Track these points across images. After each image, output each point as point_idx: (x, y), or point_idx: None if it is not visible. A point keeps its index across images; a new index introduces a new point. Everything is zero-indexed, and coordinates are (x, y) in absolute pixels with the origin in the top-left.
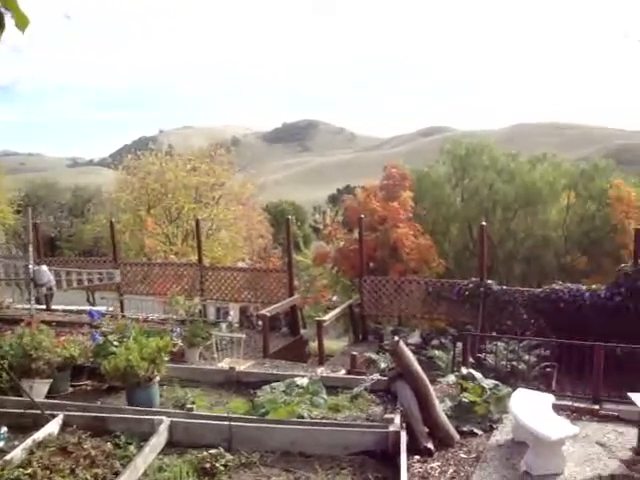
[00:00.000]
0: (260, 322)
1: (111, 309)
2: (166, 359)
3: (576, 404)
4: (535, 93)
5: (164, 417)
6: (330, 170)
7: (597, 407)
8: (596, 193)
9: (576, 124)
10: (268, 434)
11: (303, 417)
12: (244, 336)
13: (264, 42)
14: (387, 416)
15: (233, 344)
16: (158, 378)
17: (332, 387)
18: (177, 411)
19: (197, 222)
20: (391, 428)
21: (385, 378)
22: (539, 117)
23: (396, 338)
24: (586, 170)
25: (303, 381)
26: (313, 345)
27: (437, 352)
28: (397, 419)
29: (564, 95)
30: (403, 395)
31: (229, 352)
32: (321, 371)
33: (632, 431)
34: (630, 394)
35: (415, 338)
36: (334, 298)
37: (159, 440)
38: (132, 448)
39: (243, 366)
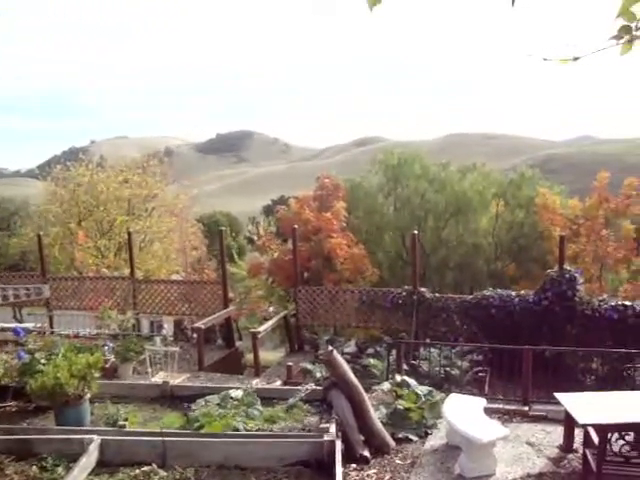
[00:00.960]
0: (195, 335)
1: (39, 325)
2: (97, 375)
3: (507, 406)
4: (467, 104)
5: (94, 436)
6: (265, 181)
7: (527, 408)
8: (524, 201)
9: (505, 134)
10: (203, 448)
11: (238, 430)
12: (178, 349)
13: (199, 53)
14: (323, 426)
15: (167, 358)
16: (89, 396)
17: (268, 398)
18: (109, 429)
19: (129, 234)
20: (326, 437)
21: (320, 388)
22: (471, 128)
23: (330, 348)
24: (514, 179)
25: (238, 393)
26: (249, 357)
27: (372, 360)
28: (333, 428)
29: (495, 107)
30: (338, 404)
31: (163, 366)
32: (256, 383)
33: (559, 429)
34: (556, 394)
35: (351, 347)
36: (270, 309)
37: (89, 460)
38: (60, 470)
39: (177, 380)
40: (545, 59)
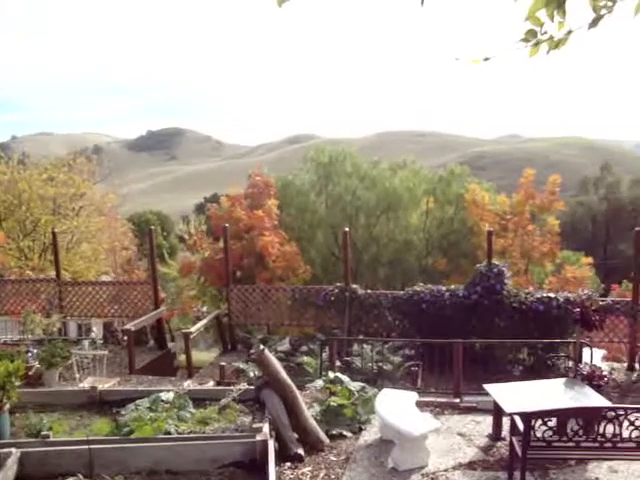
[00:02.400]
0: (125, 337)
1: None
2: (18, 384)
3: (439, 399)
4: (399, 102)
5: (13, 449)
6: (198, 179)
7: (458, 400)
8: (453, 198)
9: (436, 132)
10: (132, 454)
11: (170, 433)
12: (107, 353)
13: (127, 49)
14: (255, 425)
15: (96, 362)
16: (8, 406)
17: (200, 400)
18: (30, 440)
19: (54, 234)
20: (259, 437)
21: (253, 387)
22: (402, 125)
23: (261, 347)
24: (444, 176)
25: (169, 396)
26: (182, 358)
27: (306, 358)
28: (266, 428)
29: (426, 105)
30: (271, 403)
31: (92, 371)
32: (188, 384)
33: (488, 419)
34: (485, 385)
35: (284, 345)
36: (204, 309)
37: (7, 475)
38: None
39: (107, 385)
40: (457, 59)
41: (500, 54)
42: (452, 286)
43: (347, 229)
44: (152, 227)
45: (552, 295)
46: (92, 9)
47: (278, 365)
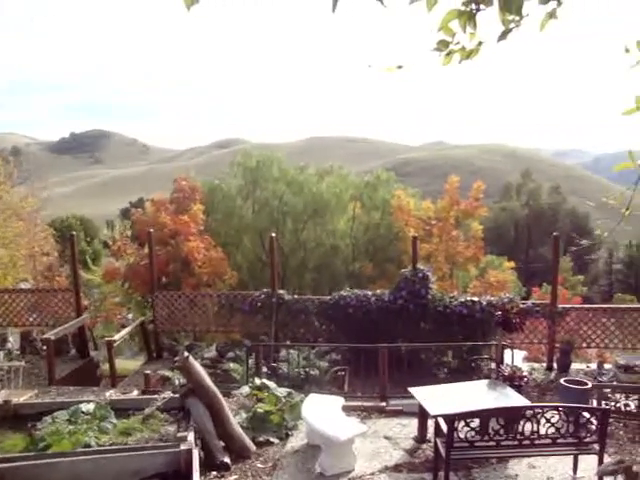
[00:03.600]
0: (45, 347)
1: None
2: None
3: (366, 403)
4: (329, 108)
5: None
6: (124, 183)
7: (384, 404)
8: (379, 203)
9: (365, 138)
10: (49, 470)
11: (90, 446)
12: (23, 364)
13: (49, 48)
14: (180, 434)
15: (11, 374)
16: None
17: (123, 410)
18: None
19: None
20: (183, 447)
21: (178, 395)
22: (332, 131)
23: (185, 354)
24: (370, 182)
25: (89, 407)
26: (106, 367)
27: (232, 365)
28: (191, 436)
29: (355, 111)
30: (196, 411)
31: (7, 383)
32: (110, 394)
33: (414, 422)
34: (410, 389)
35: (211, 352)
36: (129, 316)
37: None
38: None
39: (22, 398)
40: (369, 66)
41: (414, 63)
42: (378, 291)
43: (274, 234)
44: (74, 232)
45: (475, 299)
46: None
47: (203, 372)
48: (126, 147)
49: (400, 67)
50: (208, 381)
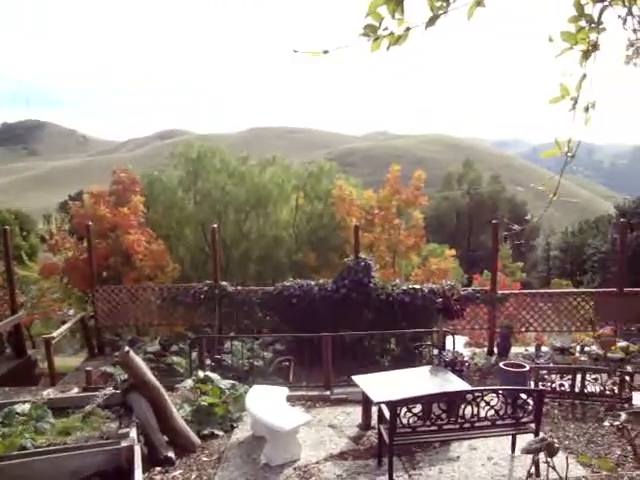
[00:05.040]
0: None
1: None
2: None
3: (310, 393)
4: (271, 98)
5: None
6: (61, 175)
7: (328, 393)
8: (322, 193)
9: (308, 129)
10: None
11: (26, 448)
12: None
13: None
14: (122, 431)
15: None
16: None
17: (62, 409)
18: None
19: None
20: (124, 443)
21: (119, 391)
22: (274, 121)
23: (126, 349)
24: (313, 172)
25: (25, 407)
26: (45, 365)
27: (176, 358)
28: (133, 433)
29: (297, 101)
30: (138, 406)
31: None
32: (48, 393)
33: (358, 409)
34: (353, 377)
35: (155, 346)
36: (70, 312)
37: None
38: None
39: None
40: (295, 51)
41: (341, 48)
42: (321, 280)
43: (215, 225)
44: (7, 227)
45: (417, 286)
46: None
47: (144, 367)
48: (63, 138)
49: (326, 52)
50: (150, 375)
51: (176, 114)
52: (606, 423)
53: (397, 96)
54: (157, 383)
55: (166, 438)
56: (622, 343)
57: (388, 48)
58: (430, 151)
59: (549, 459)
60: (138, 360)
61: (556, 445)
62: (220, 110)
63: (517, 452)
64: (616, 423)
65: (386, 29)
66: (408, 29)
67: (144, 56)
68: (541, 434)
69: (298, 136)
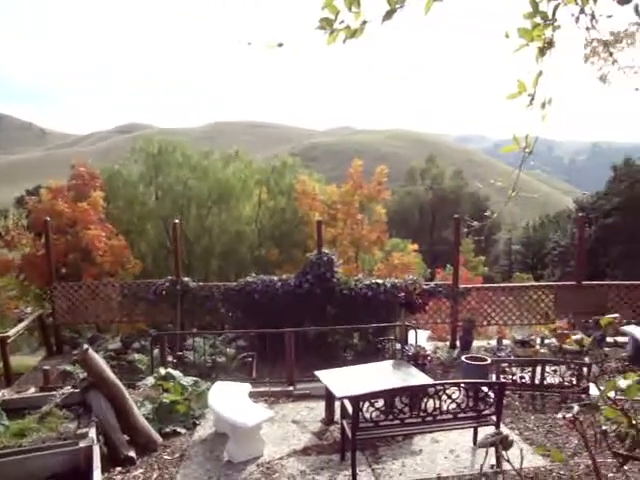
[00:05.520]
0: None
1: None
2: None
3: (273, 388)
4: (234, 93)
5: None
6: (19, 169)
7: (292, 388)
8: (285, 188)
9: (271, 123)
10: None
11: None
12: None
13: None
14: (81, 431)
15: None
16: None
17: (17, 410)
18: None
19: None
20: (82, 444)
21: (78, 390)
22: (238, 116)
23: (85, 346)
24: (276, 167)
25: None
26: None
27: (137, 355)
28: (92, 432)
29: (261, 96)
30: (98, 405)
31: None
32: (2, 394)
33: (321, 405)
34: (316, 372)
35: (116, 343)
36: (28, 309)
37: None
38: None
39: None
40: (249, 44)
41: (297, 40)
42: (284, 276)
43: (177, 221)
44: None
45: (380, 281)
46: None
47: (104, 364)
48: (20, 131)
49: (281, 45)
50: (110, 373)
51: (138, 108)
52: (559, 415)
53: (361, 91)
54: (117, 381)
55: (127, 437)
56: (577, 336)
57: (344, 41)
58: (393, 146)
59: (504, 452)
60: (97, 358)
61: (510, 438)
62: (182, 104)
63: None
64: (568, 415)
65: (342, 22)
66: (364, 23)
67: (104, 50)
68: (502, 426)
69: (262, 131)
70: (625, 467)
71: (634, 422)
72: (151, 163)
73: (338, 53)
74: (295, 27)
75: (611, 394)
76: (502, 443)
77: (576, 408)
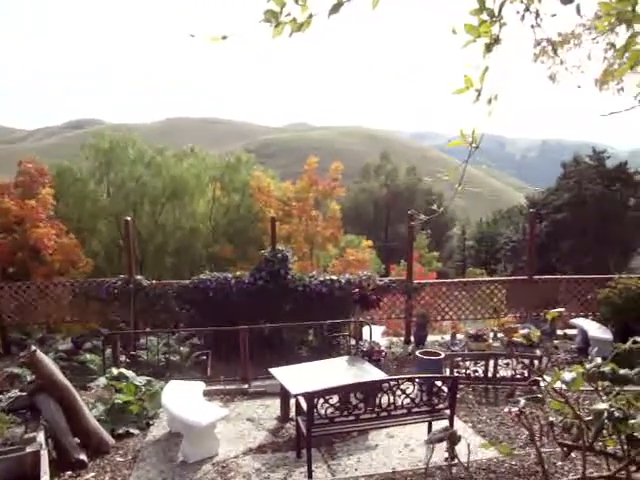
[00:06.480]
0: None
1: None
2: None
3: (228, 386)
4: (189, 88)
5: None
6: None
7: (247, 386)
8: (240, 185)
9: (226, 120)
10: None
11: None
12: None
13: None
14: (28, 436)
15: None
16: None
17: None
18: None
19: None
20: (30, 449)
21: (25, 393)
22: (193, 112)
23: (33, 348)
24: (231, 163)
25: None
26: None
27: (89, 356)
28: (40, 437)
29: (216, 91)
30: (47, 408)
31: None
32: None
33: (277, 402)
34: (271, 369)
35: (66, 344)
36: None
37: None
38: None
39: None
40: (192, 35)
41: (242, 33)
42: (238, 273)
43: (129, 218)
44: None
45: (334, 277)
46: None
47: (53, 366)
48: None
49: (225, 37)
50: (59, 375)
51: (90, 102)
52: (506, 409)
53: (317, 88)
54: (67, 383)
55: (77, 440)
56: (524, 330)
57: (291, 35)
58: (349, 143)
59: (451, 447)
60: (46, 359)
61: (459, 434)
62: (136, 99)
63: None
64: (514, 409)
65: (289, 15)
66: (311, 16)
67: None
68: (456, 419)
69: (217, 127)
70: (573, 455)
71: (578, 413)
72: (102, 159)
73: (293, 49)
74: (244, 20)
75: (558, 385)
76: (451, 438)
77: (522, 402)
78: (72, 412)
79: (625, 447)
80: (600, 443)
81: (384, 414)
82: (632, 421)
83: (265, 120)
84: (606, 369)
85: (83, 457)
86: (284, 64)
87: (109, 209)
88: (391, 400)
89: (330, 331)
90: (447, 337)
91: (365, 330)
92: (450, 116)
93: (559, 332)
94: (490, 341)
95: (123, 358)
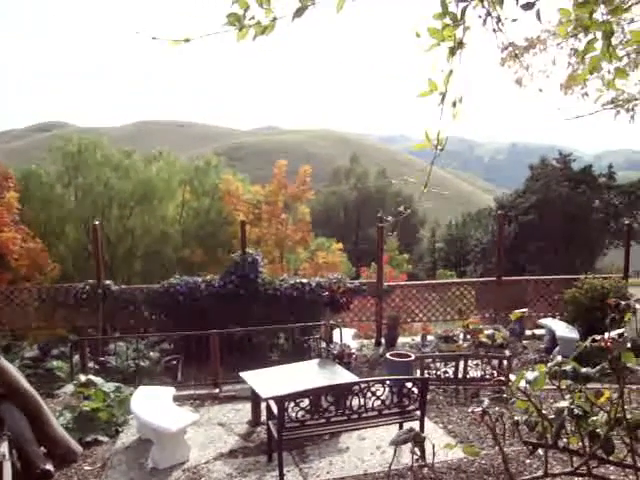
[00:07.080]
0: None
1: None
2: None
3: (199, 391)
4: (159, 92)
5: None
6: None
7: (217, 391)
8: (209, 188)
9: (196, 123)
10: None
11: None
12: None
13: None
14: None
15: None
16: None
17: None
18: None
19: None
20: None
21: None
22: (162, 115)
23: None
24: (200, 167)
25: None
26: None
27: (56, 362)
28: (4, 447)
29: (185, 95)
30: (10, 418)
31: None
32: None
33: (248, 406)
34: (241, 373)
35: (33, 351)
36: None
37: None
38: None
39: None
40: (154, 38)
41: (205, 36)
42: (208, 277)
43: (97, 222)
44: None
45: (305, 281)
46: None
47: (17, 374)
48: None
49: (187, 40)
50: (24, 383)
51: (57, 105)
52: (469, 410)
53: (287, 92)
54: (32, 391)
55: (44, 449)
56: (489, 331)
57: (254, 38)
58: (319, 146)
59: (420, 448)
60: (10, 367)
61: (422, 435)
62: (105, 102)
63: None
64: (478, 409)
65: (252, 18)
66: (275, 19)
67: None
68: (426, 420)
69: (187, 130)
70: (540, 452)
71: (542, 412)
72: (70, 163)
73: (262, 52)
74: (208, 24)
75: (522, 385)
76: (415, 440)
77: (486, 402)
78: (38, 421)
79: (586, 443)
80: (565, 440)
81: (355, 416)
82: (593, 418)
83: (235, 123)
84: (567, 368)
85: (49, 467)
86: (254, 67)
87: (77, 213)
88: (362, 402)
89: (301, 334)
90: (418, 339)
91: (336, 333)
92: (418, 120)
93: (528, 332)
94: (460, 342)
95: (91, 364)
